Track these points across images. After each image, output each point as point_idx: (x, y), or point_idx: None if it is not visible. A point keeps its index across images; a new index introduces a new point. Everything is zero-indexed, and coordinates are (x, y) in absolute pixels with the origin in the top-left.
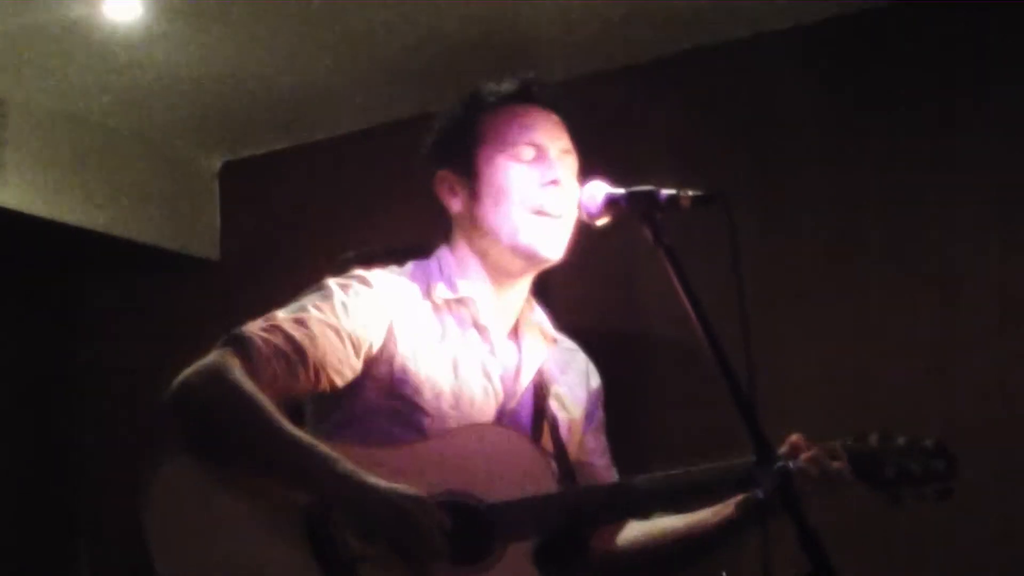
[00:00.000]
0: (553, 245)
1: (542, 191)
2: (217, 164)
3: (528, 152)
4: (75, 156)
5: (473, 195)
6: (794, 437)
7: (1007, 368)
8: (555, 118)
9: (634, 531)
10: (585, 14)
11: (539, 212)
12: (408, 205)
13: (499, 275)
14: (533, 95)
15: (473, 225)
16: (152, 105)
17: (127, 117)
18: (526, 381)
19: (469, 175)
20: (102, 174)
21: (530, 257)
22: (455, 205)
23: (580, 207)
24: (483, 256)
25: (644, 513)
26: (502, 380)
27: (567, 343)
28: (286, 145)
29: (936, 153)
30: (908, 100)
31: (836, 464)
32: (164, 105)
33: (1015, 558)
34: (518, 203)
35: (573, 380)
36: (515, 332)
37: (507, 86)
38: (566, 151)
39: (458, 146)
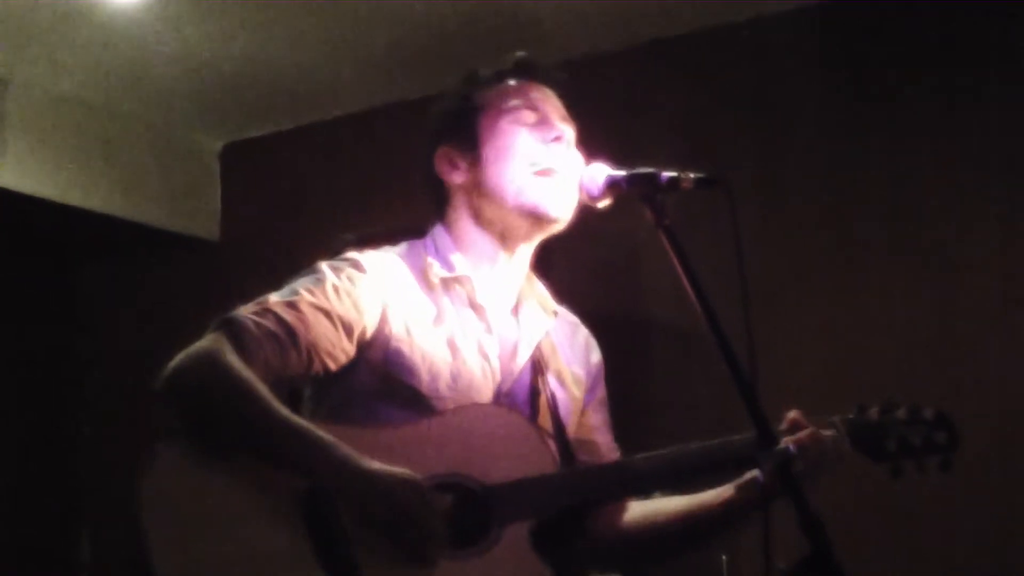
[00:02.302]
0: (558, 204)
1: (546, 148)
2: (218, 146)
3: (529, 116)
4: (76, 137)
5: (476, 161)
6: (792, 414)
7: (1007, 348)
8: (551, 92)
9: (635, 514)
10: None
11: (543, 172)
12: (408, 186)
13: (505, 242)
14: (529, 71)
15: (477, 192)
16: (153, 87)
17: (128, 99)
18: (523, 359)
19: (471, 144)
20: (103, 155)
21: (536, 217)
22: (457, 177)
23: (581, 188)
24: (489, 224)
25: (643, 492)
26: (500, 359)
27: (569, 316)
28: (287, 127)
29: (937, 135)
30: (909, 83)
31: (828, 433)
32: (165, 87)
33: (1013, 535)
34: (522, 162)
35: (573, 355)
36: (515, 308)
37: (500, 64)
38: (564, 119)
39: (458, 121)
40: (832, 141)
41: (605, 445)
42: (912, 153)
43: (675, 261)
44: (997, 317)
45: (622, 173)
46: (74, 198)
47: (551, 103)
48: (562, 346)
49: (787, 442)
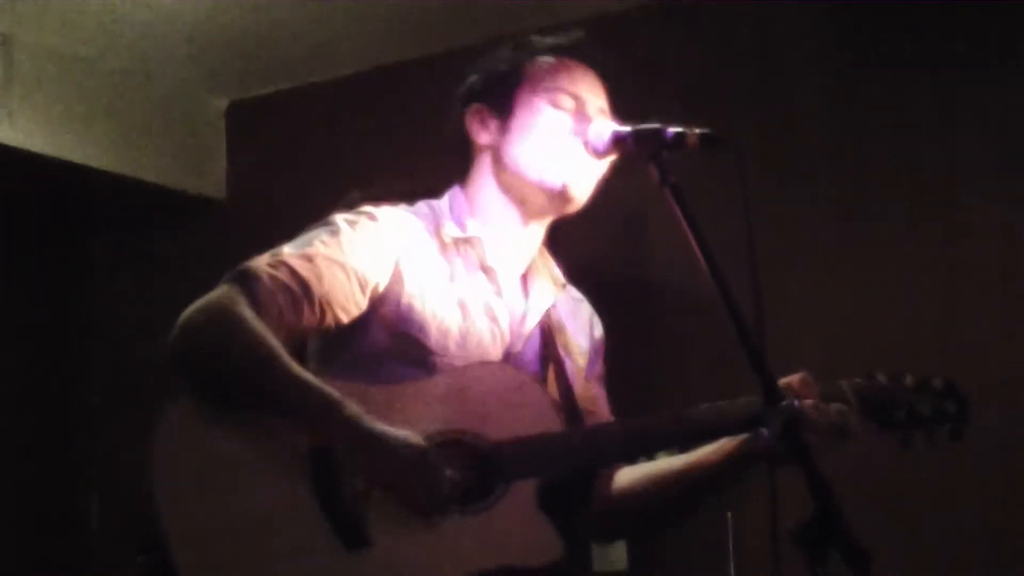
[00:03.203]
0: (579, 185)
1: (573, 140)
2: (224, 104)
3: (567, 101)
4: (82, 96)
5: (504, 129)
6: (797, 376)
7: (1011, 316)
8: (597, 78)
9: (635, 474)
10: None
11: (567, 156)
12: (414, 144)
13: (522, 209)
14: (581, 51)
15: (499, 159)
16: (159, 45)
17: (134, 57)
18: (531, 325)
19: (504, 109)
20: (109, 114)
21: (555, 194)
22: (483, 137)
23: (586, 144)
24: (508, 189)
25: (650, 451)
26: (509, 323)
27: (574, 292)
28: (294, 85)
29: (943, 104)
30: (916, 50)
31: (836, 406)
32: (171, 45)
33: (1019, 503)
34: (548, 145)
35: (578, 328)
36: (525, 277)
37: (557, 38)
38: (602, 110)
39: (498, 85)
40: (838, 108)
41: (604, 417)
42: (918, 125)
43: (680, 219)
44: (1001, 282)
45: (627, 129)
46: (79, 156)
47: (593, 90)
48: (568, 318)
49: (795, 401)
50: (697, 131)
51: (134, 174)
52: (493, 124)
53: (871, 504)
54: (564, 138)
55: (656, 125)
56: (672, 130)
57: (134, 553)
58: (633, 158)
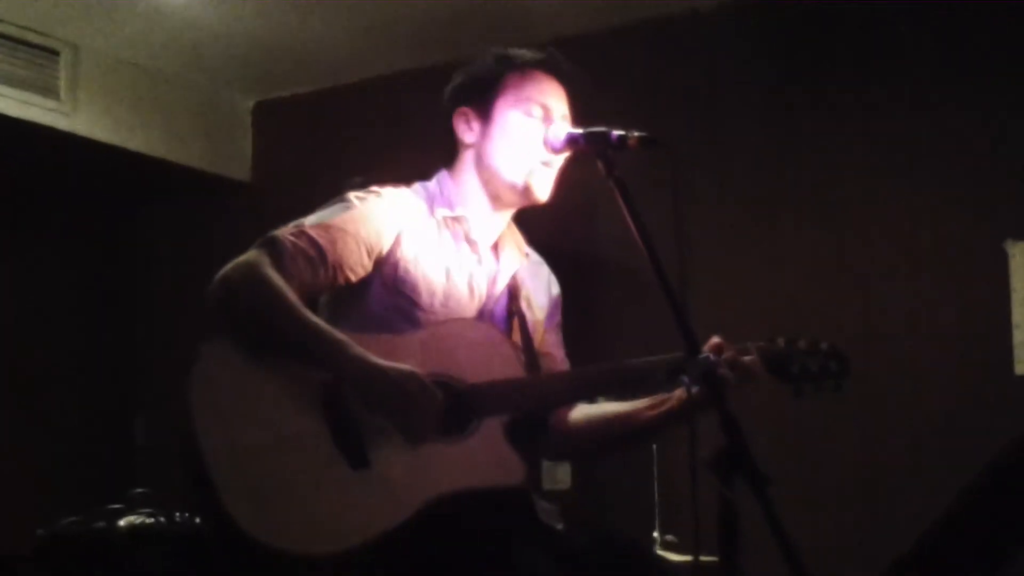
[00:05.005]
0: (543, 189)
1: (539, 145)
2: (251, 103)
3: (536, 110)
4: (134, 94)
5: (485, 132)
6: (715, 339)
7: (872, 287)
8: (563, 88)
9: (584, 415)
10: None
11: (534, 160)
12: (413, 143)
13: (495, 201)
14: (549, 64)
15: (480, 158)
16: (199, 53)
17: (178, 63)
18: (502, 285)
19: (486, 115)
20: (157, 110)
21: (523, 194)
22: (468, 137)
23: (545, 143)
24: (485, 183)
25: (591, 395)
26: (486, 285)
27: (535, 257)
28: (308, 89)
29: (852, 121)
30: (827, 77)
31: (747, 358)
32: (208, 53)
33: (901, 445)
34: (521, 151)
35: (538, 287)
36: (496, 246)
37: (533, 54)
38: (565, 116)
39: (482, 93)
40: (764, 117)
41: (560, 359)
42: (829, 133)
43: (622, 206)
44: (882, 264)
45: (579, 131)
46: (130, 143)
47: (558, 100)
48: (529, 279)
49: (711, 356)
50: (637, 134)
51: (176, 159)
52: (476, 127)
53: (769, 440)
54: (532, 143)
55: (603, 128)
56: (616, 133)
57: (176, 468)
58: (585, 155)
